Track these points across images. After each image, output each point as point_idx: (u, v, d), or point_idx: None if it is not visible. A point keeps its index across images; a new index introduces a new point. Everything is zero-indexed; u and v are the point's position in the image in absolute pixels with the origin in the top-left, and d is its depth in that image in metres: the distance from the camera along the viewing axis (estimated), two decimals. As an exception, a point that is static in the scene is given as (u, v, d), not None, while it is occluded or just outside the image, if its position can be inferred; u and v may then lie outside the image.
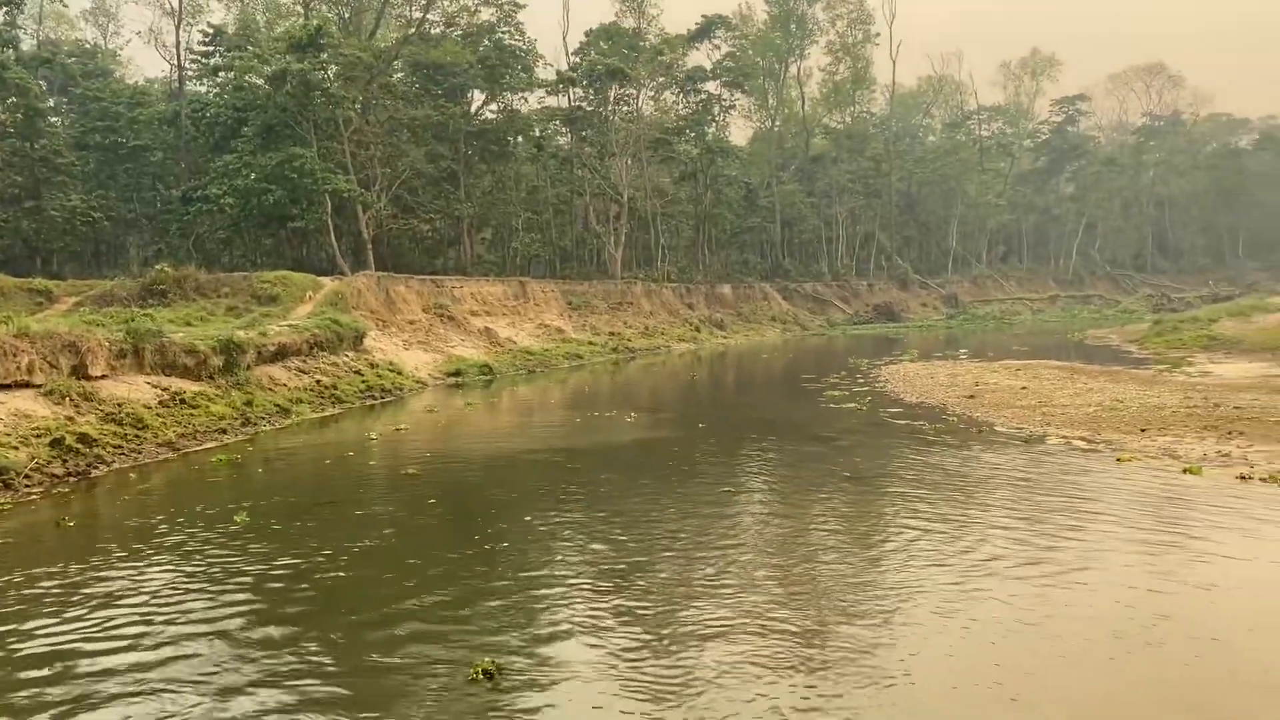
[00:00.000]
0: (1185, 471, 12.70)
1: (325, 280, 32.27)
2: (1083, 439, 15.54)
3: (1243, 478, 12.18)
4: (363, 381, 24.72)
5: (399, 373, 27.14)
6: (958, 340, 46.04)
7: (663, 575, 8.92)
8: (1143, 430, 15.88)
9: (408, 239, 43.47)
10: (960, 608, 7.73)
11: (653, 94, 58.73)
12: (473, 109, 46.68)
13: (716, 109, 60.35)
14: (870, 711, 5.96)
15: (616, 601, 8.16)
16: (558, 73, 53.19)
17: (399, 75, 44.64)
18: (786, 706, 6.02)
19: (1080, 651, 6.77)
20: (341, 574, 9.20)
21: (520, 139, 49.24)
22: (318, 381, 23.12)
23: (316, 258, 40.19)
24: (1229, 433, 15.15)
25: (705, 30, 61.28)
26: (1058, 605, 7.73)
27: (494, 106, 47.60)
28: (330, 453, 16.58)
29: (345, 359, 25.66)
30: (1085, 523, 10.43)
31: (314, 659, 7.02)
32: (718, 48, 62.48)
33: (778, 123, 70.98)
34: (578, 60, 53.71)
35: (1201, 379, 24.17)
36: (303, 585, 8.82)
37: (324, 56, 37.40)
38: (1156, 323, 45.90)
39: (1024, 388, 22.43)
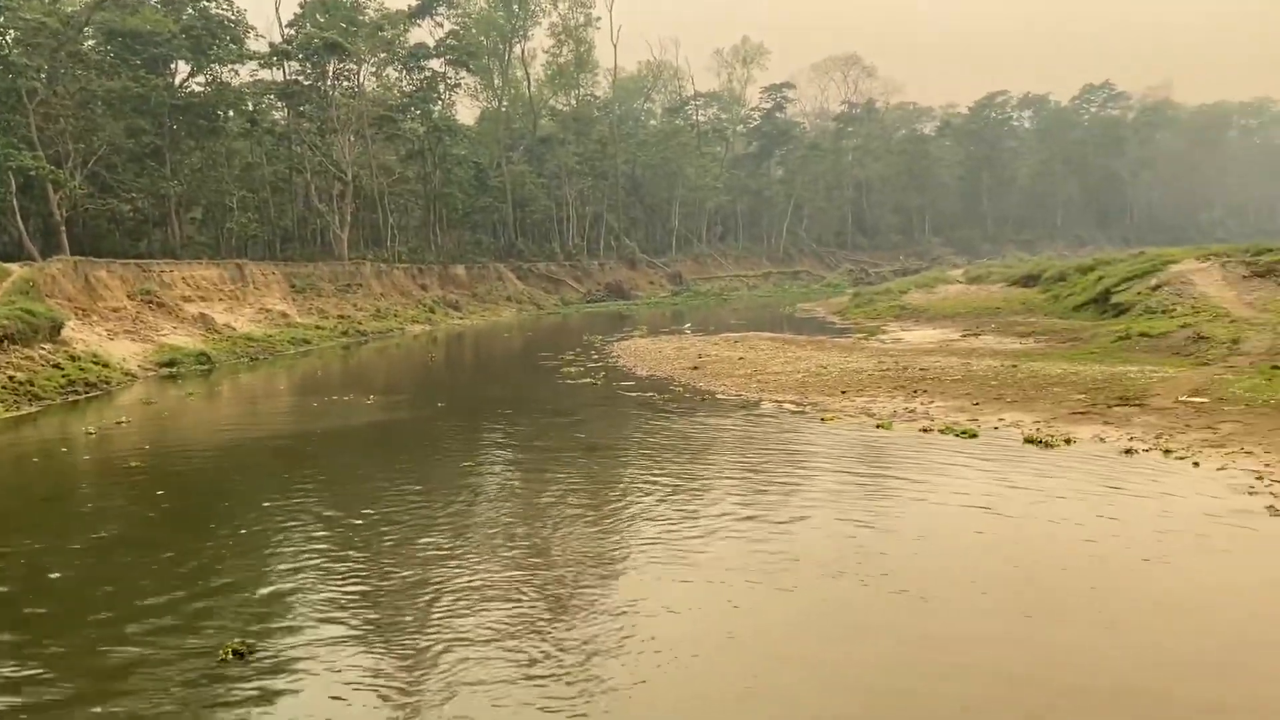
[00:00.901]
0: (879, 427, 14.31)
1: (12, 266, 29.22)
2: (793, 402, 17.04)
3: (925, 430, 13.88)
4: (63, 376, 22.73)
5: (105, 365, 25.14)
6: (683, 316, 48.31)
7: (405, 552, 9.09)
8: (843, 393, 17.62)
9: (106, 220, 40.00)
10: (698, 558, 8.46)
11: (374, 70, 57.09)
12: (177, 81, 43.52)
13: (442, 87, 59.57)
14: (614, 667, 6.48)
15: (360, 582, 8.27)
16: (271, 45, 50.54)
17: (91, 43, 40.85)
18: (531, 672, 6.42)
19: (800, 584, 7.65)
20: (72, 573, 8.69)
21: (231, 114, 46.45)
22: (10, 378, 21.06)
23: (-1, 241, 36.26)
24: (914, 392, 17.11)
25: (427, 7, 60.22)
26: (783, 550, 8.62)
27: (201, 79, 44.59)
28: (38, 450, 15.30)
29: (41, 351, 23.48)
30: (799, 475, 11.60)
31: (55, 662, 6.68)
32: (440, 25, 61.67)
33: (504, 103, 71.06)
34: (293, 33, 51.28)
35: (893, 345, 26.93)
36: (31, 589, 8.27)
37: (0, 20, 33.65)
38: (856, 295, 50.24)
39: (741, 358, 24.10)
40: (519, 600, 7.59)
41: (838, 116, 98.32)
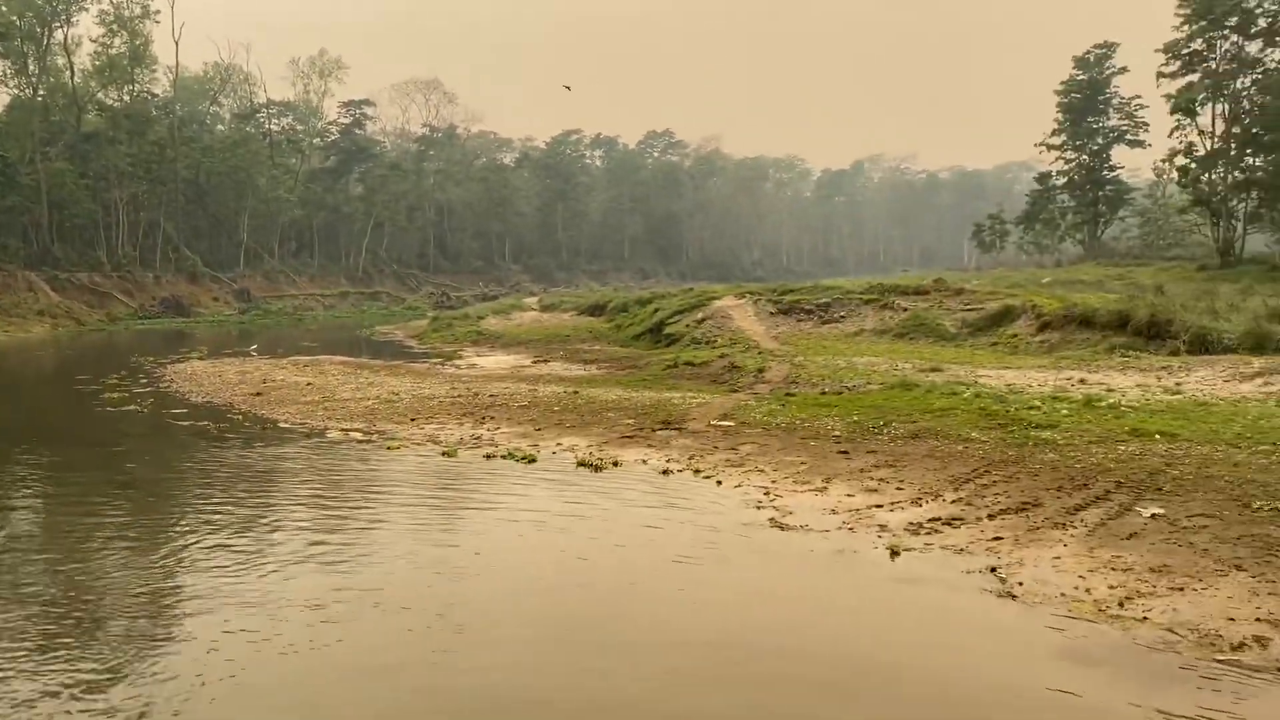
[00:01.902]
0: (445, 455, 14.52)
1: None
2: (360, 430, 16.78)
3: (488, 456, 14.31)
4: None
5: None
6: (250, 336, 45.61)
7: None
8: (412, 420, 17.65)
9: None
10: (255, 596, 8.02)
11: None
12: None
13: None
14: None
15: None
16: None
17: None
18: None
19: (356, 618, 7.55)
20: None
21: None
22: None
23: None
24: (482, 418, 17.56)
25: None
26: (345, 584, 8.43)
27: None
28: None
29: None
30: (366, 507, 11.43)
31: None
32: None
33: (41, 92, 62.80)
34: None
35: (468, 371, 27.45)
36: None
37: None
38: (435, 319, 50.51)
39: (310, 384, 23.26)
40: (63, 659, 6.75)
41: (419, 139, 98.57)
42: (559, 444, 14.99)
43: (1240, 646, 6.47)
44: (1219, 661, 6.30)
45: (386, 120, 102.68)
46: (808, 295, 34.18)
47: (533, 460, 13.94)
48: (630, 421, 16.53)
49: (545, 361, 30.04)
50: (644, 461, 13.47)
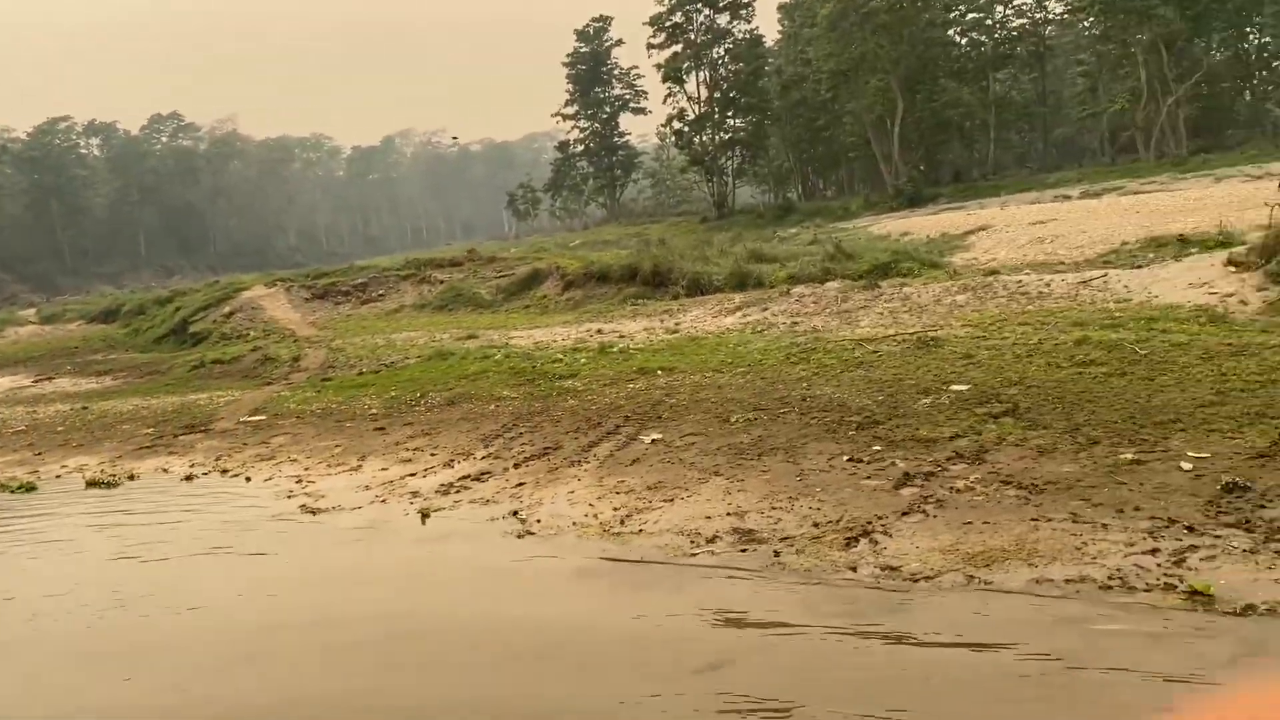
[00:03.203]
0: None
1: None
2: None
3: (-26, 493, 12.46)
4: None
5: None
6: None
7: None
8: None
9: None
10: None
11: None
12: None
13: None
14: None
15: None
16: None
17: None
18: None
19: None
20: None
21: None
22: None
23: None
24: (-35, 452, 15.20)
25: None
26: None
27: None
28: None
29: None
30: None
31: None
32: None
33: None
34: None
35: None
36: None
37: None
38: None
39: None
40: None
41: None
42: (64, 466, 13.43)
43: (713, 539, 7.50)
44: (693, 555, 7.27)
45: None
46: (344, 277, 33.55)
47: (32, 489, 12.37)
48: (150, 431, 15.23)
49: (49, 379, 26.57)
50: (165, 470, 12.50)
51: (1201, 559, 6.06)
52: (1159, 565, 6.05)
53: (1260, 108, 71.33)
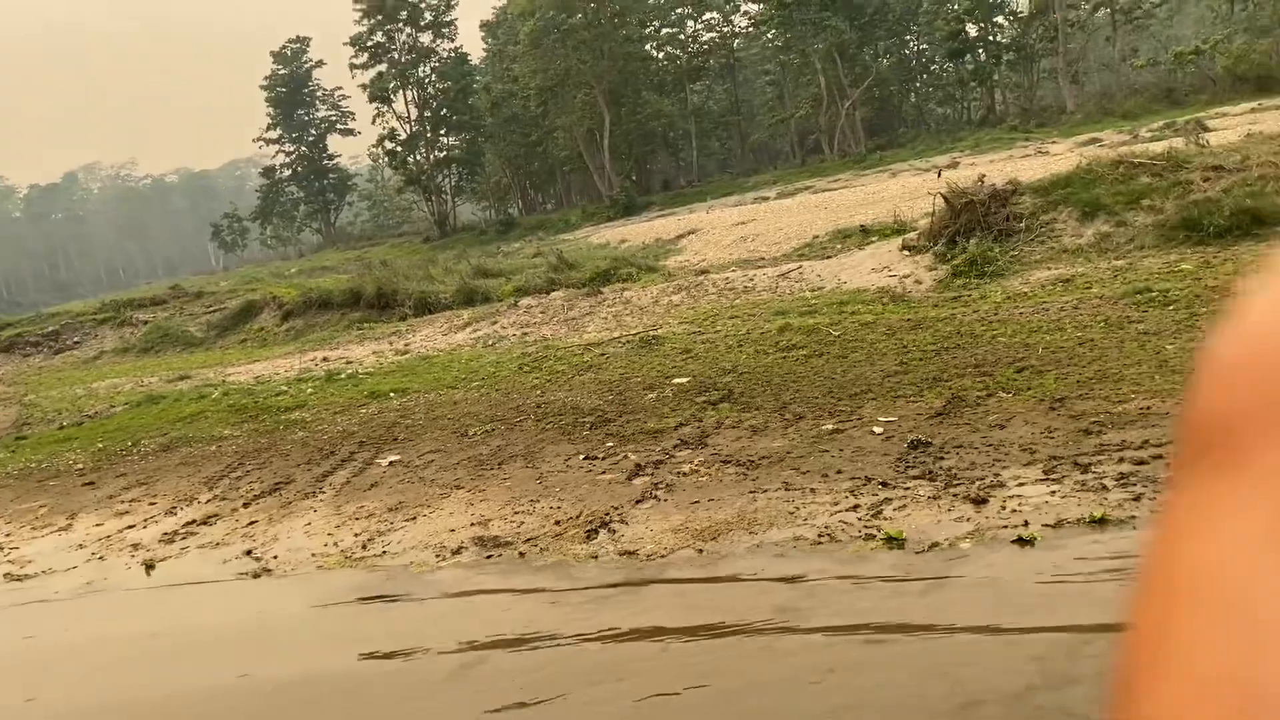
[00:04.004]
0: None
1: None
2: None
3: None
4: None
5: None
6: None
7: None
8: None
9: None
10: None
11: None
12: None
13: None
14: None
15: None
16: None
17: None
18: None
19: None
20: None
21: None
22: None
23: None
24: None
25: None
26: None
27: None
28: None
29: None
30: None
31: None
32: None
33: None
34: None
35: None
36: None
37: None
38: None
39: None
40: None
41: None
42: None
43: (459, 550, 7.60)
44: (439, 568, 7.35)
45: None
46: (31, 327, 30.50)
47: None
48: None
49: None
50: None
51: (895, 509, 6.85)
52: (859, 519, 6.78)
53: (924, 107, 79.66)
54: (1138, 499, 6.27)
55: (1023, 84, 71.49)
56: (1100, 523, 6.01)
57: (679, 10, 76.79)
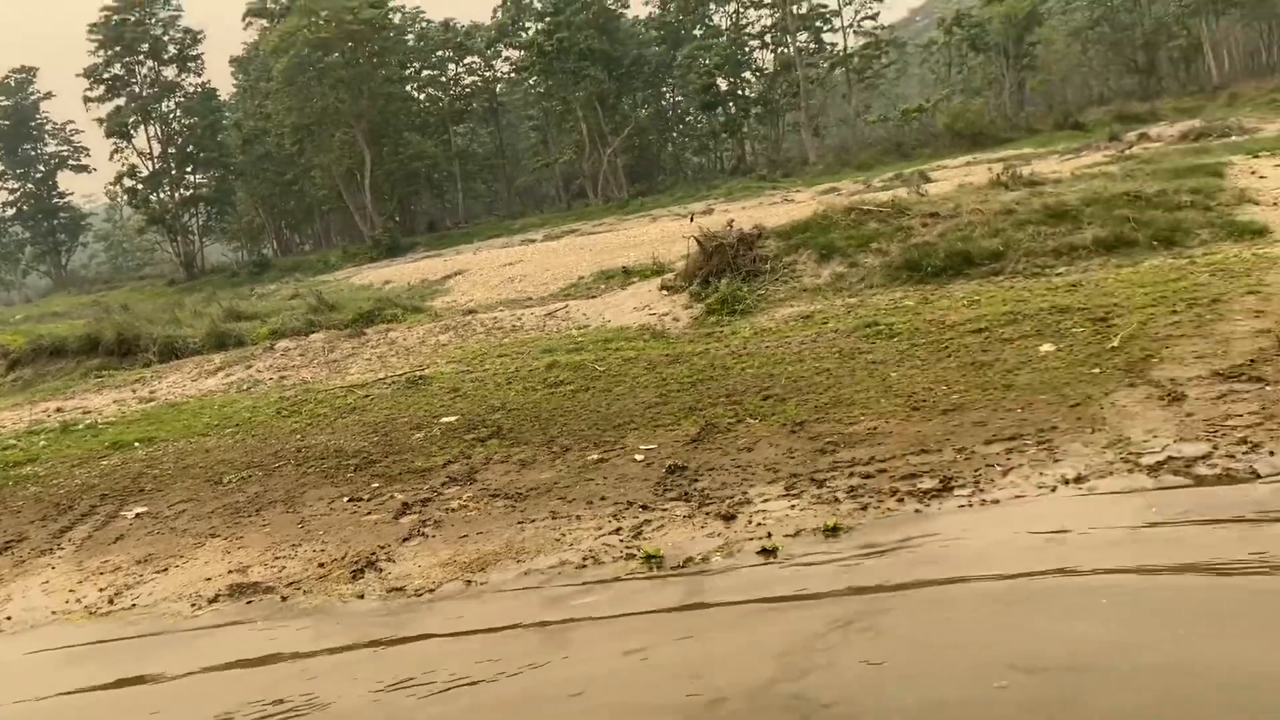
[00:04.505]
0: None
1: None
2: None
3: None
4: None
5: None
6: None
7: None
8: None
9: None
10: None
11: None
12: None
13: None
14: None
15: None
16: None
17: None
18: None
19: None
20: None
21: None
22: None
23: None
24: None
25: None
26: None
27: None
28: None
29: None
30: None
31: None
32: None
33: None
34: None
35: None
36: None
37: None
38: None
39: None
40: None
41: None
42: None
43: (216, 598, 7.34)
44: (196, 617, 7.08)
45: None
46: None
47: None
48: None
49: None
50: None
51: (654, 529, 7.25)
52: (621, 541, 7.13)
53: (681, 155, 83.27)
54: (864, 508, 6.97)
55: (770, 136, 76.31)
56: (833, 531, 6.64)
57: (440, 53, 76.76)
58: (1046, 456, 7.28)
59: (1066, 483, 6.78)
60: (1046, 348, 10.09)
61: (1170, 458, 6.87)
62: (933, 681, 4.74)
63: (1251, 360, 8.58)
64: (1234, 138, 29.55)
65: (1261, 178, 17.21)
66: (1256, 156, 19.85)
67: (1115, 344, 9.71)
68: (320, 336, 19.48)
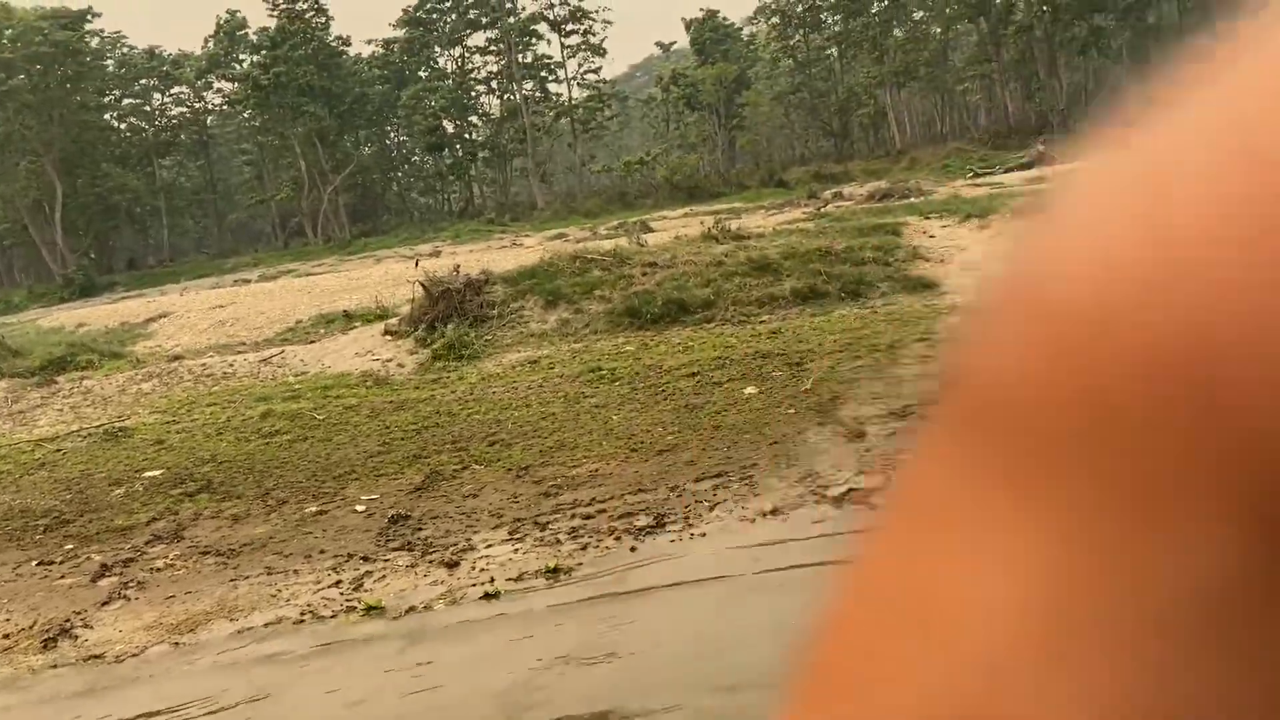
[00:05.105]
0: None
1: None
2: None
3: None
4: None
5: None
6: None
7: None
8: None
9: None
10: None
11: None
12: None
13: None
14: None
15: None
16: None
17: None
18: None
19: None
20: None
21: None
22: None
23: None
24: None
25: None
26: None
27: None
28: None
29: None
30: None
31: None
32: None
33: None
34: None
35: None
36: None
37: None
38: None
39: None
40: None
41: None
42: None
43: None
44: None
45: None
46: None
47: None
48: None
49: None
50: None
51: (375, 580, 7.21)
52: (342, 594, 7.03)
53: (407, 196, 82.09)
54: (584, 548, 7.28)
55: (498, 180, 76.94)
56: (554, 572, 6.89)
57: (144, 81, 71.80)
58: (748, 491, 7.92)
59: (764, 515, 7.42)
60: (750, 390, 10.94)
61: (851, 489, 7.69)
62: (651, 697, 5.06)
63: (919, 401, 9.74)
64: (912, 199, 33.10)
65: (931, 237, 19.45)
66: (927, 218, 22.41)
67: (809, 386, 10.70)
68: (2, 385, 17.60)
